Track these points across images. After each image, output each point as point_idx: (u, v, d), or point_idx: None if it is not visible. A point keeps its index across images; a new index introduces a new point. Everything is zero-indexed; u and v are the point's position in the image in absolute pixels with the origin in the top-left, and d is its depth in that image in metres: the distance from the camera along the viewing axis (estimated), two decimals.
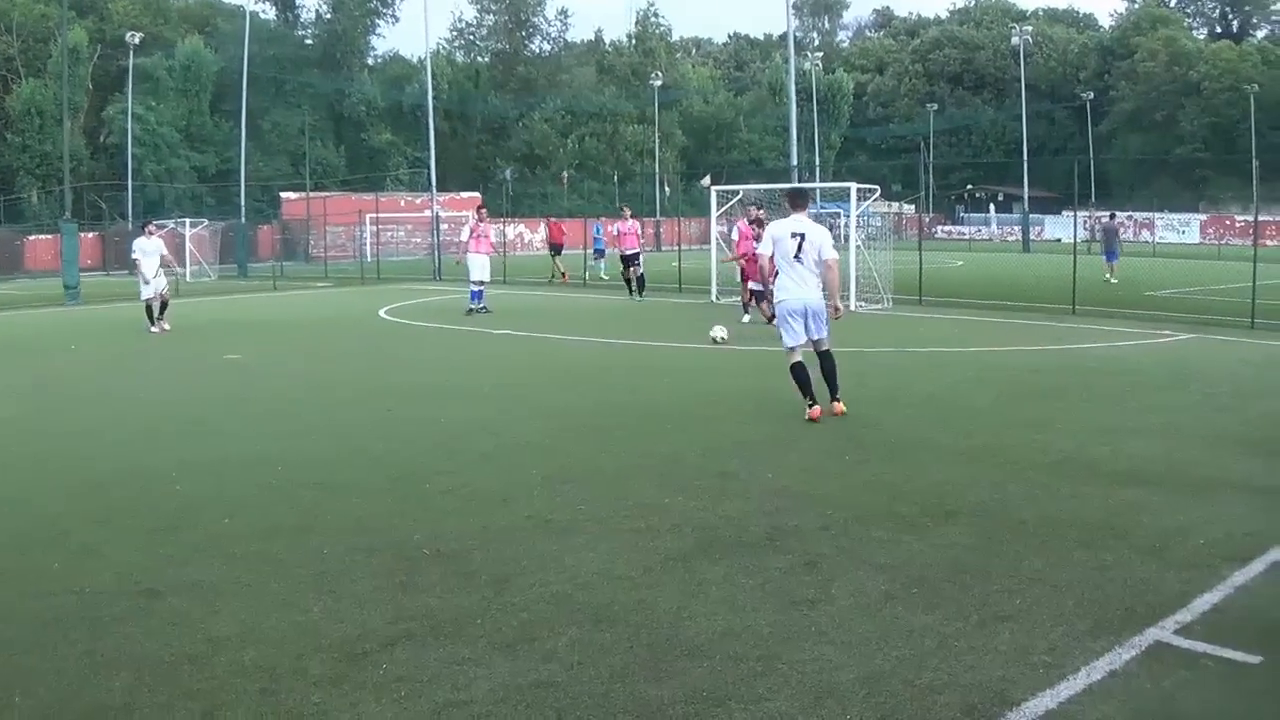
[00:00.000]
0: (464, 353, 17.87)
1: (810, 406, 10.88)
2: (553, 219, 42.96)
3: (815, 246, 10.88)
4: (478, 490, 8.32)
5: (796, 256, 10.87)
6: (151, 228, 22.95)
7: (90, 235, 51.39)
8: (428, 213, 49.08)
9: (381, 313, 25.33)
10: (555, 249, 37.52)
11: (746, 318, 20.90)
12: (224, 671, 4.99)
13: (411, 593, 5.99)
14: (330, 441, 10.45)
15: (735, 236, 22.11)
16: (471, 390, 13.66)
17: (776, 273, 11.32)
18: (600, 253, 38.41)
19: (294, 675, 4.94)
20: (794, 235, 10.90)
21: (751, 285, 20.13)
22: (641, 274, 27.94)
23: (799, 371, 11.02)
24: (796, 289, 10.94)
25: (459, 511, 7.68)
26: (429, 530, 7.15)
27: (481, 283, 24.33)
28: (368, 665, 5.03)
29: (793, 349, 11.09)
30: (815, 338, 11.05)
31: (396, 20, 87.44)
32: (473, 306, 24.12)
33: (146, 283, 21.30)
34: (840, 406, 10.98)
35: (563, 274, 35.93)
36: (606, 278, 35.61)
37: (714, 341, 17.37)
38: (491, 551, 6.69)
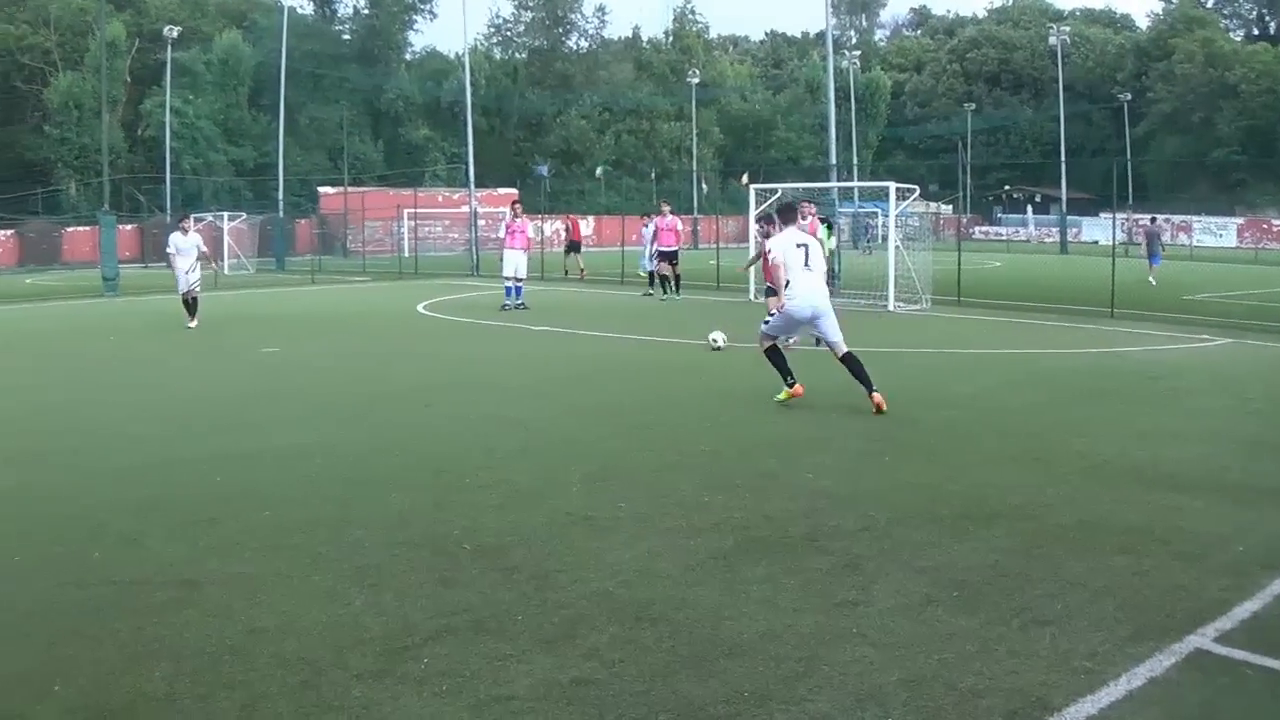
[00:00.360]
0: (502, 348, 17.87)
1: (791, 386, 11.71)
2: (574, 217, 43.10)
3: (816, 256, 11.79)
4: (517, 486, 8.32)
5: (806, 264, 11.61)
6: (187, 223, 22.51)
7: (128, 227, 51.59)
8: (466, 208, 49.17)
9: (420, 308, 25.42)
10: (573, 246, 37.62)
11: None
12: (265, 663, 5.00)
13: (452, 587, 6.01)
14: (368, 435, 10.50)
15: None
16: (509, 386, 13.70)
17: (788, 281, 11.72)
18: None
19: (335, 668, 4.95)
20: (799, 246, 11.71)
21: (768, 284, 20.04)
22: (678, 273, 27.79)
23: (774, 354, 11.85)
24: (808, 292, 11.60)
25: (498, 507, 7.69)
26: (468, 525, 7.17)
27: (518, 279, 24.33)
28: (409, 659, 5.04)
29: (770, 337, 11.89)
30: (830, 341, 11.62)
31: (434, 16, 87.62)
32: (507, 303, 24.14)
33: (184, 274, 21.27)
34: (879, 398, 11.14)
35: (580, 271, 36.09)
36: (643, 274, 35.57)
37: (712, 347, 16.74)
38: (531, 548, 6.70)
